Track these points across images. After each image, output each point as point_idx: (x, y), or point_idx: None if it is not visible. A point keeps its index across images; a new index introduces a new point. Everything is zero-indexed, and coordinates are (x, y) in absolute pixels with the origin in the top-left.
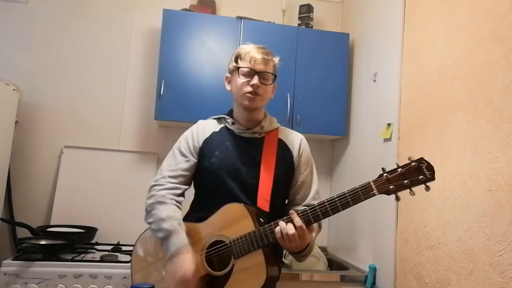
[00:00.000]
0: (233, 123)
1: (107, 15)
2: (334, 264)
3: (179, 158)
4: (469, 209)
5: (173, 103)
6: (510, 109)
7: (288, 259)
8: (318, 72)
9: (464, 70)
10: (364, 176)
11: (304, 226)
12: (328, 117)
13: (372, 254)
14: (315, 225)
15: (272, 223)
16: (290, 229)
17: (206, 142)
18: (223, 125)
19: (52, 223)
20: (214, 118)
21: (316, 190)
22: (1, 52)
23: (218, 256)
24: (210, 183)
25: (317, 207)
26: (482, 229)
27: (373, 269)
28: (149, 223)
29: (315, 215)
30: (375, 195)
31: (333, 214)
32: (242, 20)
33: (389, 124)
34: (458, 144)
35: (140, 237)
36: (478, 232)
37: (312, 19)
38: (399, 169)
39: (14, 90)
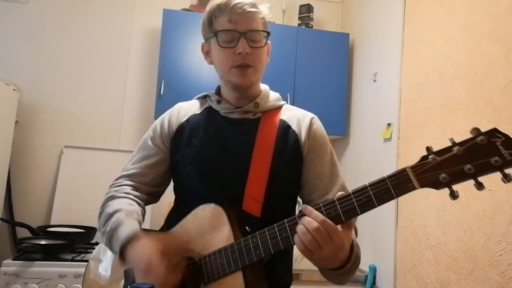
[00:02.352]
0: (218, 102)
1: (107, 15)
2: None
3: (142, 153)
4: (469, 209)
5: (173, 103)
6: (510, 109)
7: None
8: (318, 72)
9: (464, 70)
10: (364, 176)
11: (329, 220)
12: (328, 117)
13: (372, 254)
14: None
15: (257, 232)
16: (309, 221)
17: (181, 127)
18: (208, 105)
19: (52, 223)
20: (198, 98)
21: (342, 184)
22: (1, 52)
23: (188, 279)
24: (185, 181)
25: (336, 202)
26: (482, 229)
27: (373, 269)
28: (99, 230)
29: (344, 210)
30: (415, 189)
31: (346, 219)
32: None
33: (389, 124)
34: None
35: (92, 256)
36: (478, 232)
37: (312, 19)
38: (455, 148)
39: (14, 90)
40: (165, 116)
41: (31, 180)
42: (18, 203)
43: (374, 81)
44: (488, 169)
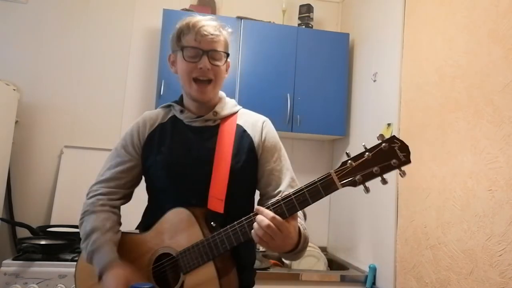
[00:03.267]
0: (181, 112)
1: (107, 15)
2: (334, 264)
3: (116, 160)
4: (469, 209)
5: None
6: (510, 109)
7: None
8: (318, 72)
9: (464, 70)
10: None
11: (278, 216)
12: (328, 117)
13: (372, 254)
14: (299, 213)
15: (222, 229)
16: (261, 220)
17: (151, 136)
18: (172, 114)
19: (52, 223)
20: (163, 107)
21: (292, 177)
22: (1, 52)
23: (168, 272)
24: (157, 185)
25: (281, 202)
26: (482, 229)
27: (373, 269)
28: (81, 244)
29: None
30: (338, 189)
31: (289, 215)
32: (242, 20)
33: (389, 124)
34: (458, 144)
35: (78, 263)
36: (478, 232)
37: (312, 19)
38: (366, 154)
39: (14, 90)
40: (134, 126)
41: (31, 180)
42: (18, 203)
43: (374, 81)
44: (389, 169)
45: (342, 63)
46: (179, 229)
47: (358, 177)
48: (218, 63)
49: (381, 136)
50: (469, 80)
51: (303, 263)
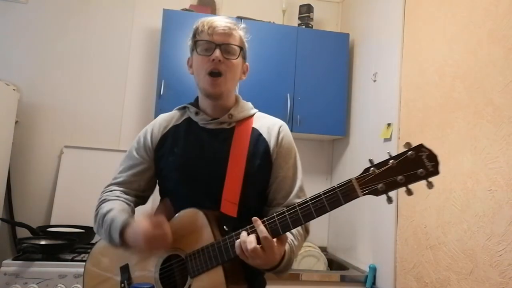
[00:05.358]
0: (196, 113)
1: (107, 15)
2: (334, 264)
3: (129, 163)
4: (469, 209)
5: (173, 103)
6: (510, 109)
7: None
8: (318, 72)
9: (464, 70)
10: None
11: (270, 237)
12: (328, 117)
13: (372, 254)
14: (299, 230)
15: (233, 233)
16: (250, 242)
17: (164, 138)
18: (187, 116)
19: (52, 223)
20: (178, 109)
21: (300, 186)
22: (1, 52)
23: (176, 274)
24: (170, 186)
25: (286, 213)
26: (482, 229)
27: (373, 269)
28: (96, 230)
29: (284, 224)
30: (358, 197)
31: (305, 222)
32: (242, 20)
33: (389, 124)
34: (458, 144)
35: (92, 251)
36: (478, 232)
37: (312, 19)
38: (390, 161)
39: (14, 90)
40: (148, 128)
41: (31, 180)
42: (18, 203)
43: (374, 81)
44: (416, 179)
45: (342, 63)
46: (190, 231)
47: (380, 185)
48: (231, 57)
49: (408, 144)
50: (469, 80)
51: (303, 263)
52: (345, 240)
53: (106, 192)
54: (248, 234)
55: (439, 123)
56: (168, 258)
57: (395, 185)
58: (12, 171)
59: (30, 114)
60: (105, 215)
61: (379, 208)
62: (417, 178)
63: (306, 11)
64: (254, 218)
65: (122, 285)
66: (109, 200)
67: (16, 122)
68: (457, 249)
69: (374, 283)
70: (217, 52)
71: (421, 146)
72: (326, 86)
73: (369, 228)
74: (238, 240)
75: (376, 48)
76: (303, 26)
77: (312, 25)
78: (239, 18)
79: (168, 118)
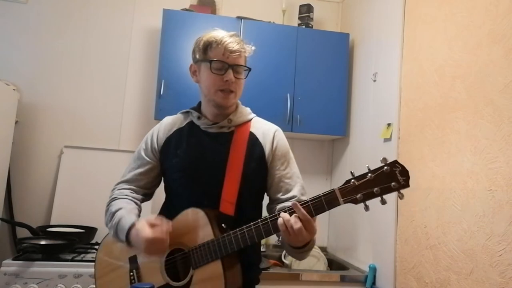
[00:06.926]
0: (199, 118)
1: (107, 15)
2: (334, 264)
3: (136, 162)
4: (469, 209)
5: (173, 103)
6: (510, 109)
7: (288, 259)
8: (318, 72)
9: (464, 70)
10: None
11: (311, 219)
12: (328, 117)
13: (372, 254)
14: None
15: (231, 232)
16: (295, 222)
17: (168, 141)
18: (190, 120)
19: (52, 223)
20: (182, 113)
21: (302, 185)
22: (1, 52)
23: (179, 265)
24: (173, 186)
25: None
26: (482, 229)
27: (373, 269)
28: (106, 225)
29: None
30: (340, 204)
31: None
32: (242, 20)
33: (389, 124)
34: (458, 144)
35: (103, 241)
36: (478, 232)
37: (312, 19)
38: (368, 174)
39: (14, 90)
40: (154, 130)
41: (31, 180)
42: (18, 203)
43: (374, 81)
44: (389, 190)
45: (342, 63)
46: (192, 228)
47: (359, 195)
48: (241, 76)
49: (384, 159)
50: (469, 80)
51: (303, 263)
52: (345, 240)
53: (116, 190)
54: (290, 215)
55: (439, 123)
56: (172, 252)
57: (372, 196)
58: (12, 171)
59: (30, 114)
60: (114, 213)
61: (379, 208)
62: (390, 190)
63: (306, 11)
64: (294, 202)
65: (131, 273)
66: (118, 198)
67: (16, 122)
68: (457, 249)
69: (374, 283)
70: (231, 74)
71: (395, 162)
72: (326, 86)
73: (369, 228)
74: (280, 219)
75: (376, 48)
76: (303, 26)
77: (312, 25)
78: (239, 18)
79: (173, 121)
